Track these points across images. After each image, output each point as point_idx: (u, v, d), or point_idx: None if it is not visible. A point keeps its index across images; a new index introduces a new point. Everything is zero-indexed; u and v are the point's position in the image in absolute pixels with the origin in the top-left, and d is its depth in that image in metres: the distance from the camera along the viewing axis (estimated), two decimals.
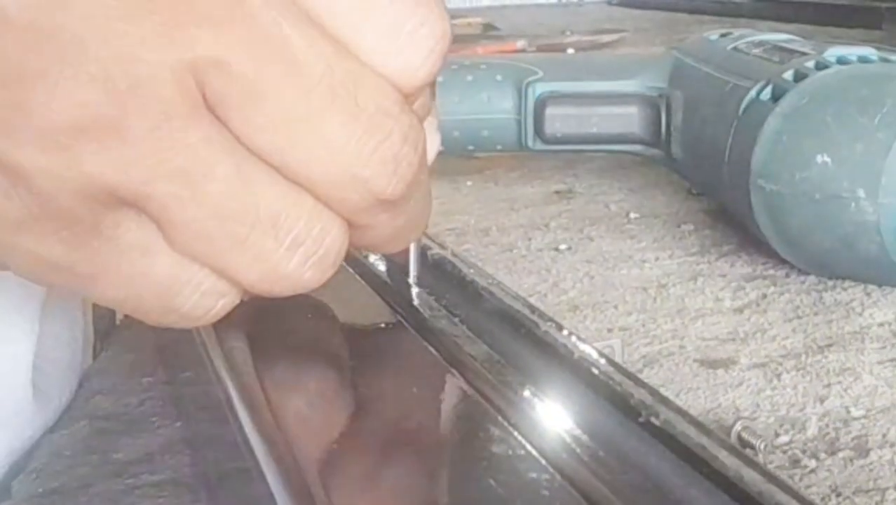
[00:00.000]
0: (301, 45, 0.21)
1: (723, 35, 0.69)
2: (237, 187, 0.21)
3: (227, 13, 0.20)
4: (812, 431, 0.40)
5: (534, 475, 0.22)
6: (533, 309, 0.31)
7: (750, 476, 0.21)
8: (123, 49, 0.20)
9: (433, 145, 0.26)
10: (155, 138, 0.20)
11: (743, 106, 0.57)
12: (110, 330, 0.52)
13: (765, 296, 0.54)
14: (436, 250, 0.36)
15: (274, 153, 0.21)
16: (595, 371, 0.27)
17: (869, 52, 0.58)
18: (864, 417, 0.41)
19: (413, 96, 0.23)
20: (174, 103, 0.20)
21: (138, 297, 0.23)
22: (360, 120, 0.21)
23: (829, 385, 0.44)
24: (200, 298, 0.23)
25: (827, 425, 0.40)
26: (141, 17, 0.20)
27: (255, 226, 0.22)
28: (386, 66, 0.22)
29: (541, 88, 0.71)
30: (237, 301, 0.24)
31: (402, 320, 0.32)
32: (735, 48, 0.64)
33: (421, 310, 0.32)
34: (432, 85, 0.25)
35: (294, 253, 0.22)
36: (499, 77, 0.73)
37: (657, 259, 0.61)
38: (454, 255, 0.36)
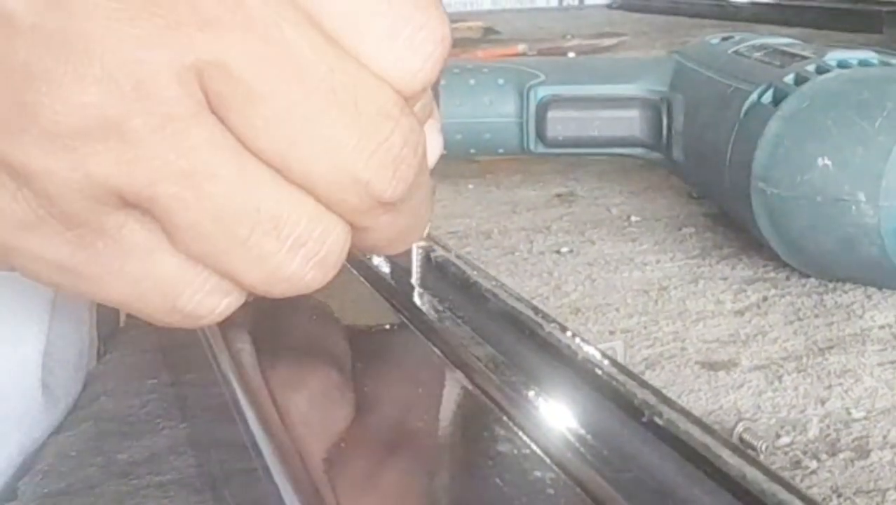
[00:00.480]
0: (302, 48, 0.21)
1: (724, 39, 0.69)
2: (239, 189, 0.22)
3: (228, 16, 0.20)
4: (813, 432, 0.40)
5: (539, 474, 0.23)
6: (536, 310, 0.31)
7: (753, 475, 0.21)
8: (127, 51, 0.20)
9: (436, 148, 0.26)
10: (158, 140, 0.21)
11: (744, 109, 0.57)
12: (114, 332, 0.52)
13: (766, 298, 0.54)
14: (439, 252, 0.36)
15: (275, 155, 0.22)
16: (598, 372, 0.27)
17: (869, 55, 0.58)
18: (865, 418, 0.41)
19: (414, 99, 0.23)
20: (177, 105, 0.20)
21: (142, 297, 0.23)
22: (360, 122, 0.22)
23: (829, 387, 0.44)
24: (204, 298, 0.23)
25: (828, 427, 0.40)
26: (143, 19, 0.20)
27: (257, 227, 0.22)
28: (386, 70, 0.22)
29: (542, 92, 0.71)
30: (242, 301, 0.24)
31: (407, 322, 0.33)
32: (736, 52, 0.65)
33: (425, 312, 0.32)
34: (436, 88, 0.25)
35: (296, 254, 0.23)
36: (501, 81, 0.73)
37: (658, 262, 0.61)
38: (458, 257, 0.36)
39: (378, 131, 0.22)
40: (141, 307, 0.24)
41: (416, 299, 0.33)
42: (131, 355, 0.48)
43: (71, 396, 0.45)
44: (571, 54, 1.39)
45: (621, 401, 0.26)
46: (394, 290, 0.35)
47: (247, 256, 0.22)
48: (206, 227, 0.22)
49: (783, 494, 0.21)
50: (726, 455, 0.22)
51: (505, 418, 0.25)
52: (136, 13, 0.20)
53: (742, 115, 0.57)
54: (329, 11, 0.22)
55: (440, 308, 0.33)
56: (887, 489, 0.36)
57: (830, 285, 0.55)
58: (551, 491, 0.22)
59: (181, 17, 0.20)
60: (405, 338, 0.32)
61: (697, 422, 0.24)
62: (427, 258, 0.36)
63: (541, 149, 0.72)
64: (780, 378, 0.45)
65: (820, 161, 0.51)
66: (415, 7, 0.22)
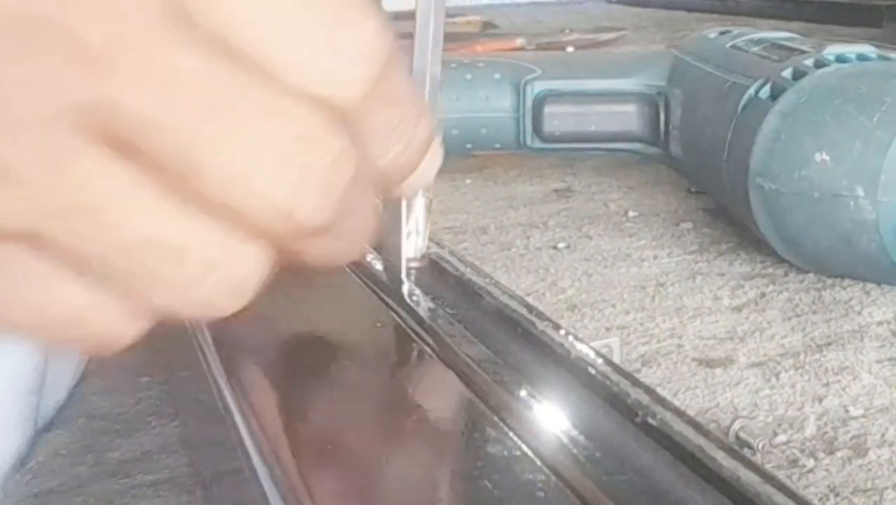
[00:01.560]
0: (204, 75, 0.19)
1: (722, 33, 0.68)
2: (137, 220, 0.20)
3: (117, 50, 0.19)
4: (810, 430, 0.40)
5: (530, 476, 0.22)
6: (530, 308, 0.31)
7: (747, 477, 0.21)
8: (8, 92, 0.19)
9: (433, 164, 0.26)
10: (43, 177, 0.19)
11: (742, 104, 0.57)
12: None
13: (763, 294, 0.54)
14: (433, 249, 0.36)
15: (181, 184, 0.20)
16: (592, 371, 0.27)
17: (868, 50, 0.58)
18: (863, 416, 0.41)
19: (354, 113, 0.21)
20: (63, 142, 0.19)
21: (50, 325, 0.22)
22: (277, 149, 0.20)
23: (827, 384, 0.43)
24: (116, 324, 0.22)
25: (825, 425, 0.40)
26: (26, 60, 0.19)
27: (160, 256, 0.21)
28: (307, 83, 0.20)
29: (539, 87, 0.71)
30: (157, 319, 0.23)
31: (399, 320, 0.32)
32: (734, 46, 0.64)
33: (417, 309, 0.32)
34: (433, 92, 0.24)
35: (205, 281, 0.21)
36: (497, 75, 0.73)
37: (656, 258, 0.60)
38: (452, 253, 0.36)
39: (298, 157, 0.20)
40: (52, 334, 0.22)
41: (408, 297, 0.33)
42: (124, 353, 0.48)
43: (66, 390, 0.45)
44: (570, 49, 1.39)
45: (615, 401, 0.25)
46: (385, 287, 0.35)
47: (153, 284, 0.21)
48: (107, 259, 0.20)
49: (778, 497, 0.20)
50: (721, 457, 0.22)
51: (496, 419, 0.25)
52: (17, 53, 0.19)
53: (740, 109, 0.57)
54: (235, 26, 0.20)
55: (432, 306, 0.32)
56: (885, 488, 0.35)
57: (828, 281, 0.55)
58: (542, 493, 0.22)
59: (66, 54, 0.19)
60: (397, 336, 0.32)
61: (691, 422, 0.23)
62: (420, 255, 0.35)
63: (537, 144, 0.72)
64: (777, 375, 0.44)
65: (818, 156, 0.51)
66: (337, 6, 0.20)
